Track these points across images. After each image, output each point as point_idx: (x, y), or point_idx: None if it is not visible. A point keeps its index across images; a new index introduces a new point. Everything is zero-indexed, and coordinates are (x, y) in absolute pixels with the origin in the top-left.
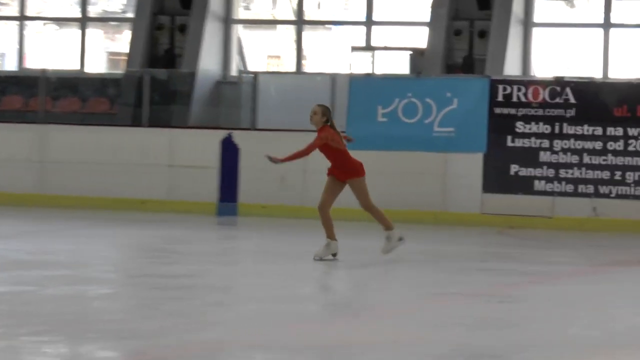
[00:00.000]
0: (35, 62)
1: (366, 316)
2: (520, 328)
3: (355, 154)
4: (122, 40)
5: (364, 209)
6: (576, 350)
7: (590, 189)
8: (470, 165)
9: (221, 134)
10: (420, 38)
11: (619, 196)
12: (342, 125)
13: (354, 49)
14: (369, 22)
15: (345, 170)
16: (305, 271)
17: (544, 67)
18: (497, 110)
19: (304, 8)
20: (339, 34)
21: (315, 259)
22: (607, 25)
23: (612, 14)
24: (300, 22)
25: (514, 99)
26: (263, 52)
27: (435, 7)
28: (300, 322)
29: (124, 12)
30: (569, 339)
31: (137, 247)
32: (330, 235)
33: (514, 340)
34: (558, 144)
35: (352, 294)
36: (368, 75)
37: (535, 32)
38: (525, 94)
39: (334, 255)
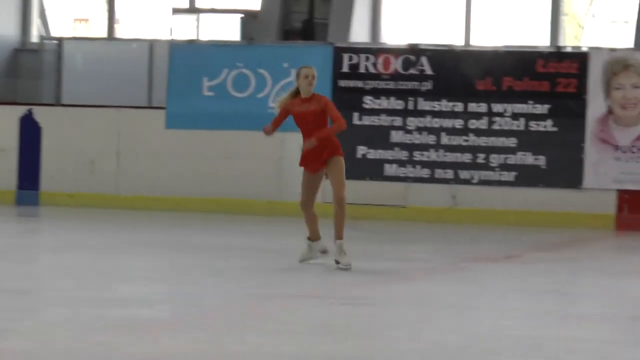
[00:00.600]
0: None
1: (186, 322)
2: (369, 334)
3: (176, 134)
4: None
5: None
6: (433, 357)
7: (449, 174)
8: None
9: (20, 110)
10: None
11: (481, 182)
12: (162, 101)
13: (176, 11)
14: None
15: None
16: (122, 269)
17: (396, 33)
18: (342, 83)
19: None
20: None
21: (300, 261)
22: None
23: None
24: None
25: (362, 70)
26: (69, 15)
27: None
28: (112, 330)
29: None
30: (425, 345)
31: None
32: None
33: (362, 348)
34: (412, 122)
35: (173, 296)
36: (192, 41)
37: None
38: (374, 64)
39: (324, 252)
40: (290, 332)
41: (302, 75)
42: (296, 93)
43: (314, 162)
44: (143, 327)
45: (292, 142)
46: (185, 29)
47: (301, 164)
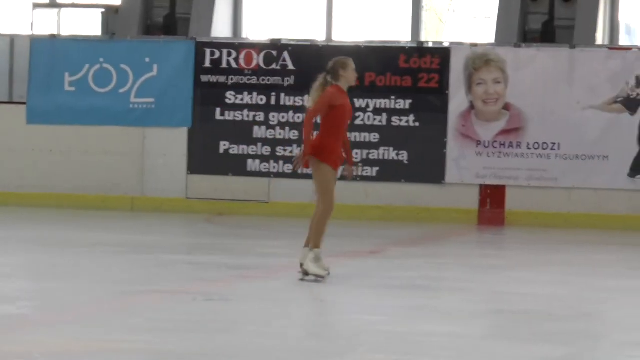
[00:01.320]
0: None
1: (49, 319)
2: (231, 331)
3: (37, 129)
4: None
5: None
6: (296, 355)
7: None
8: (172, 143)
9: None
10: None
11: (344, 177)
12: (23, 96)
13: (36, 5)
14: None
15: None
16: None
17: (258, 29)
18: (204, 78)
19: None
20: None
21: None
22: None
23: None
24: None
25: (224, 65)
26: None
27: None
28: None
29: None
30: (288, 343)
31: None
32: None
33: (224, 345)
34: (275, 118)
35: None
36: (53, 36)
37: None
38: (236, 59)
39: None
40: (154, 328)
41: (351, 67)
42: (325, 84)
43: (339, 158)
44: (3, 324)
45: (153, 137)
46: (46, 24)
47: (333, 164)
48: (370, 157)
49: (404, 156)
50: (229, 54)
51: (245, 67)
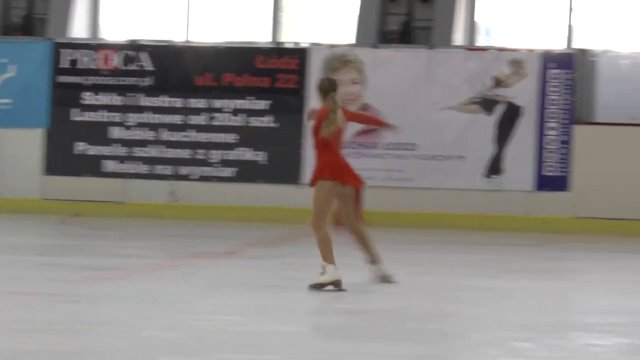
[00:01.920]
0: None
1: None
2: (88, 332)
3: None
4: None
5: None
6: (153, 354)
7: (169, 170)
8: (28, 143)
9: None
10: None
11: (202, 178)
12: None
13: None
14: None
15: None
16: None
17: (116, 29)
18: (61, 79)
19: None
20: None
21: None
22: None
23: None
24: None
25: (81, 66)
26: None
27: None
28: None
29: None
30: (142, 343)
31: None
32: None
33: (83, 345)
34: (132, 118)
35: None
36: None
37: None
38: (94, 60)
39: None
40: (12, 330)
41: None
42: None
43: (338, 170)
44: None
45: (9, 138)
46: None
47: (329, 176)
48: (228, 157)
49: (261, 157)
50: (87, 55)
51: (103, 67)
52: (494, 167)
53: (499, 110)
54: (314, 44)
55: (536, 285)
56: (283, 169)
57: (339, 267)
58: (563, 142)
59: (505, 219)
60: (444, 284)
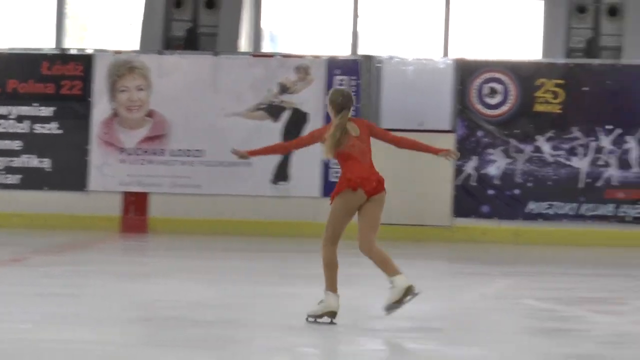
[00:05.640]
0: None
1: None
2: None
3: None
4: None
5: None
6: None
7: None
8: None
9: None
10: None
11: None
12: None
13: None
14: None
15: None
16: None
17: None
18: None
19: None
20: None
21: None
22: None
23: None
24: None
25: None
26: None
27: None
28: None
29: None
30: None
31: None
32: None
33: None
34: None
35: None
36: None
37: None
38: None
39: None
40: None
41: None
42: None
43: (358, 180)
44: None
45: None
46: None
47: (346, 185)
48: (13, 164)
49: (46, 163)
50: None
51: None
52: (281, 174)
53: (285, 116)
54: (98, 50)
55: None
56: (69, 176)
57: None
58: None
59: (293, 225)
60: (232, 290)
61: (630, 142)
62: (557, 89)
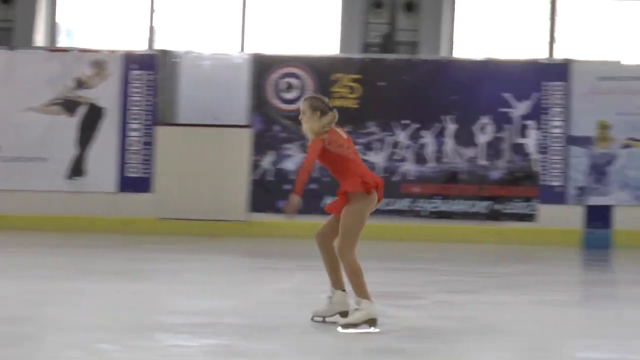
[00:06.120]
0: None
1: None
2: None
3: None
4: None
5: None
6: None
7: None
8: None
9: None
10: None
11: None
12: None
13: None
14: None
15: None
16: None
17: None
18: None
19: None
20: None
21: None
22: None
23: None
24: None
25: None
26: None
27: None
28: None
29: None
30: None
31: None
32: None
33: None
34: None
35: None
36: None
37: None
38: None
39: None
40: None
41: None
42: None
43: (364, 179)
44: None
45: None
46: None
47: (356, 187)
48: None
49: None
50: None
51: None
52: (77, 169)
53: (81, 111)
54: None
55: (119, 287)
56: None
57: None
58: (146, 143)
59: (88, 220)
60: (27, 286)
61: (427, 137)
62: (353, 84)
